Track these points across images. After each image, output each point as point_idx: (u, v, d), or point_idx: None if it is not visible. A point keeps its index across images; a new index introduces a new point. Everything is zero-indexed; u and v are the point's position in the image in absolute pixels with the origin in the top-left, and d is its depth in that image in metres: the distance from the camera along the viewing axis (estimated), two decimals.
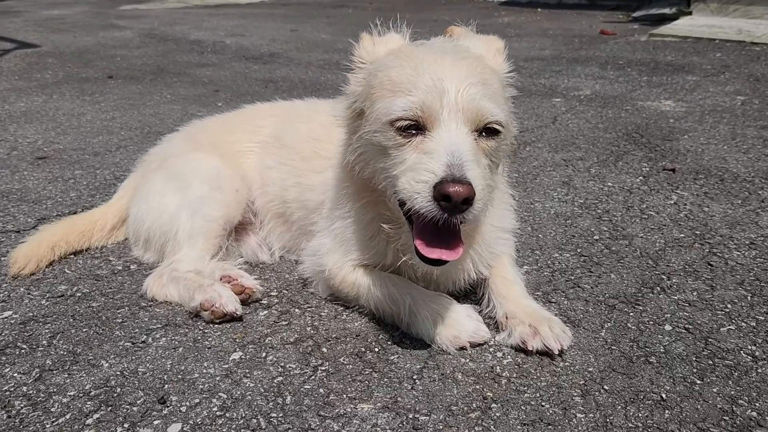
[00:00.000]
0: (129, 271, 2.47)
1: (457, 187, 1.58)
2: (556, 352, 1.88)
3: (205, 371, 1.87)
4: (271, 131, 2.56)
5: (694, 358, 1.90)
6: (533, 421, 1.66)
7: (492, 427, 1.64)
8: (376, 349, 1.97)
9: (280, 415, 1.69)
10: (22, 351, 1.98)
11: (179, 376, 1.84)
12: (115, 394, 1.77)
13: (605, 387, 1.78)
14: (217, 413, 1.69)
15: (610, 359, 1.90)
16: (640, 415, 1.67)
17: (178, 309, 2.20)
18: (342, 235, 2.12)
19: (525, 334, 1.92)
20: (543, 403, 1.72)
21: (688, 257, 2.52)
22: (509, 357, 1.93)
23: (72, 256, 2.58)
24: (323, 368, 1.88)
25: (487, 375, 1.84)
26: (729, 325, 2.06)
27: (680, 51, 6.88)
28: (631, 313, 2.14)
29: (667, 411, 1.68)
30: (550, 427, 1.63)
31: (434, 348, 1.96)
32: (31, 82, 6.09)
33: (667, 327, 2.06)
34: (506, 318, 2.01)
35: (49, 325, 2.11)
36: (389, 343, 2.00)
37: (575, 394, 1.76)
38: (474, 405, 1.72)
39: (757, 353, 1.91)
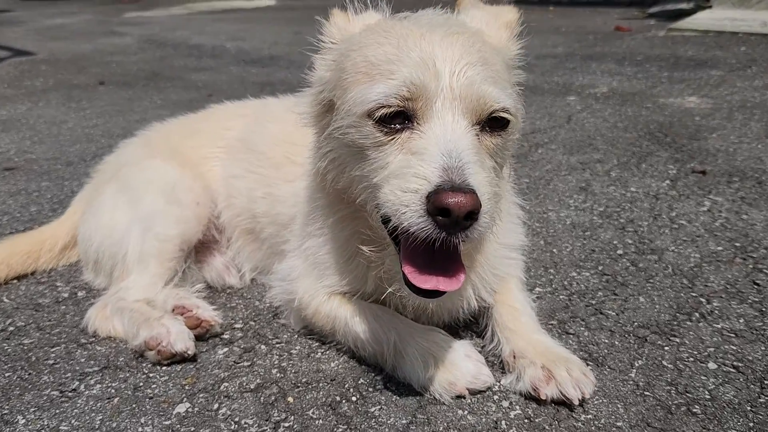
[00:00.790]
0: (75, 299, 2.14)
1: (459, 198, 1.22)
2: (576, 402, 1.52)
3: (140, 430, 1.52)
4: (238, 134, 2.22)
5: (749, 407, 1.53)
6: None
7: None
8: (354, 398, 1.61)
9: None
10: None
11: None
12: None
13: None
14: None
15: (643, 409, 1.54)
16: None
17: (122, 346, 1.86)
18: (314, 257, 1.77)
19: (537, 378, 1.56)
20: None
21: (729, 275, 2.15)
22: (518, 408, 1.56)
23: (15, 281, 2.26)
24: (286, 424, 1.52)
25: None
26: None
27: (702, 45, 6.48)
28: (666, 347, 1.77)
29: None
30: None
31: (425, 396, 1.60)
32: (20, 89, 5.87)
33: (712, 365, 1.69)
34: (514, 357, 1.65)
35: None
36: (370, 389, 1.64)
37: None
38: None
39: None
